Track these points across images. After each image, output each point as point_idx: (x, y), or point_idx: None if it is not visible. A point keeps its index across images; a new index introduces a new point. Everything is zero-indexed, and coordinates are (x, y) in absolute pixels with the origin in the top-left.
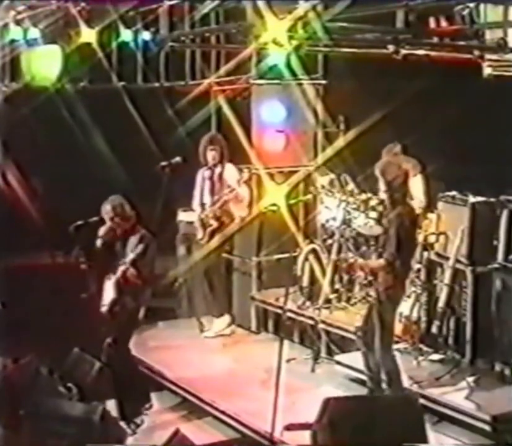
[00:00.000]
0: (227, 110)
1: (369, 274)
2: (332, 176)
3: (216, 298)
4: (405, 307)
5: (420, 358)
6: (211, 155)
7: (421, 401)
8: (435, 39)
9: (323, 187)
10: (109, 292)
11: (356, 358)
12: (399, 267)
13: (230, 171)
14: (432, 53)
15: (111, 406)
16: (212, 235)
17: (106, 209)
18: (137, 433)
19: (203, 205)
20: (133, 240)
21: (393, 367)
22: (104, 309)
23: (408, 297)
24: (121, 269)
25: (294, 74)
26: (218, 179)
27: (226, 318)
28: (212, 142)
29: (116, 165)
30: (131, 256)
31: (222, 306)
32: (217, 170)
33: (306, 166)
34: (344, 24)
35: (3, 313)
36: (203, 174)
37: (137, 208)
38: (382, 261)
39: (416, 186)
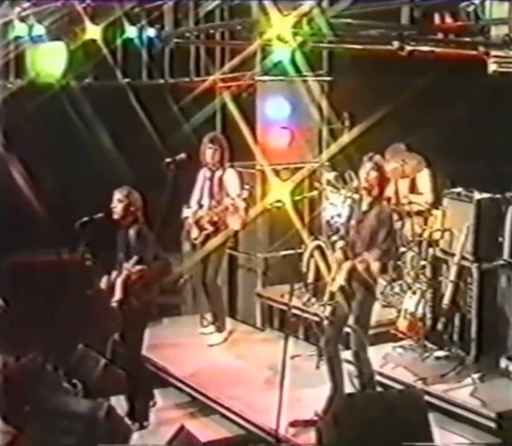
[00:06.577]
0: (231, 107)
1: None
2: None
3: (212, 307)
4: (410, 304)
5: (425, 355)
6: (210, 154)
7: (426, 397)
8: (440, 36)
9: (328, 182)
10: (117, 291)
11: None
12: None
13: (230, 176)
14: (437, 49)
15: (117, 402)
16: (206, 238)
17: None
18: (143, 429)
19: (200, 205)
20: (132, 233)
21: None
22: (114, 305)
23: (414, 293)
24: (124, 273)
25: (298, 70)
26: (218, 183)
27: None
28: (213, 141)
29: (121, 162)
30: (132, 261)
31: (218, 315)
32: (218, 173)
33: (311, 163)
34: (349, 20)
35: (8, 309)
36: (204, 174)
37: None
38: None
39: (423, 182)
